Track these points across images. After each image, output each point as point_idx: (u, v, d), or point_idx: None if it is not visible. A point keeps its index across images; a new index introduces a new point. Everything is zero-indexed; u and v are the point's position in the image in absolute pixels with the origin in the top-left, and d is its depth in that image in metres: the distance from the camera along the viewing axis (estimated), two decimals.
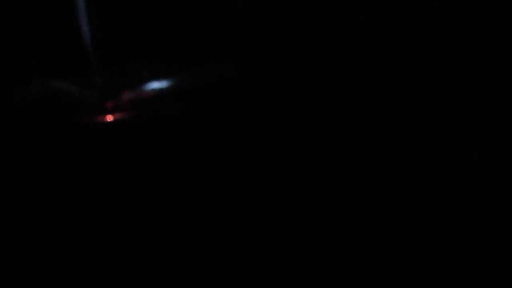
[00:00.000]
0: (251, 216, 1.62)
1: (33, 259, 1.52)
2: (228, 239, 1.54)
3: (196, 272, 1.47)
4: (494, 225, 0.89)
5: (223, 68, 2.30)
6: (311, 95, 1.55)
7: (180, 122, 2.48)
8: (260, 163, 1.88)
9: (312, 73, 1.45)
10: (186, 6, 2.14)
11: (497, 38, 0.95)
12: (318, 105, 1.43)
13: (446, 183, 0.97)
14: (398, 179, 1.02)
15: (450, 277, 0.93)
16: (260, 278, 1.31)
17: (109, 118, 2.37)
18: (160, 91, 2.72)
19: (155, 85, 2.72)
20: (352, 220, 1.12)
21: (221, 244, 1.55)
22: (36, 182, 1.64)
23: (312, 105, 1.52)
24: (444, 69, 0.97)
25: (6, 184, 1.43)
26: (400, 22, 1.10)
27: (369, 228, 1.08)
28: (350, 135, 1.19)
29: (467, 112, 0.97)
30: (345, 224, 1.13)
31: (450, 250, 0.93)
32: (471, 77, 0.97)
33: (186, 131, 2.39)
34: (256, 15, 1.83)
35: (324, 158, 1.31)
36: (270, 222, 1.49)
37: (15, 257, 1.42)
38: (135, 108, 2.61)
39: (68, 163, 1.81)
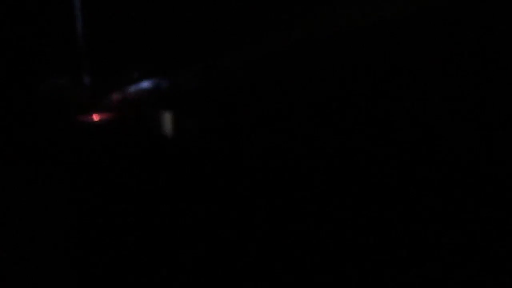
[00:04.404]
0: (242, 214, 1.61)
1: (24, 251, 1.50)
2: (217, 236, 1.54)
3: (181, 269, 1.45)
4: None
5: (211, 71, 2.29)
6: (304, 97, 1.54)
7: (168, 123, 2.47)
8: (245, 161, 1.87)
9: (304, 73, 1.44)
10: (177, 11, 2.12)
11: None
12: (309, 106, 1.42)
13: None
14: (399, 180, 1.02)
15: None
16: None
17: (96, 117, 2.36)
18: (149, 92, 2.72)
19: (144, 86, 2.71)
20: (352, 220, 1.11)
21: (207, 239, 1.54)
22: (25, 178, 1.60)
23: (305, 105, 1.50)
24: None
25: None
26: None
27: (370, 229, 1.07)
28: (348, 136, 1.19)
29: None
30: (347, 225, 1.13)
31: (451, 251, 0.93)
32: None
33: (174, 132, 2.39)
34: (245, 19, 1.81)
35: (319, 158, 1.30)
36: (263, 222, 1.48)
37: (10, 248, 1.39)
38: (123, 108, 2.61)
39: (55, 159, 1.78)
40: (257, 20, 1.87)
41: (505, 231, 0.90)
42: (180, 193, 2.46)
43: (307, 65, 1.59)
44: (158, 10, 2.40)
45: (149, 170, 2.97)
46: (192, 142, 3.16)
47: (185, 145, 3.30)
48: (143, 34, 2.11)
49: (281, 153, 1.66)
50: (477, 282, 0.91)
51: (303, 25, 1.46)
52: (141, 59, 2.58)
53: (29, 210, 1.93)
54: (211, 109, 2.99)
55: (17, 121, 1.36)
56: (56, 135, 1.61)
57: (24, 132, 1.39)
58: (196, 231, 1.94)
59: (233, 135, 2.63)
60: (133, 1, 2.20)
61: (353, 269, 1.06)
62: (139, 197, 2.46)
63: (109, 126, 2.70)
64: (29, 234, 1.74)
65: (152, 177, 2.81)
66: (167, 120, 3.69)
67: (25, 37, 1.25)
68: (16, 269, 1.45)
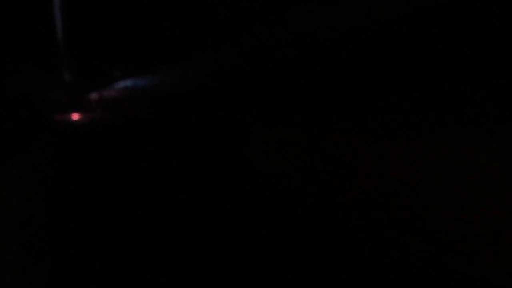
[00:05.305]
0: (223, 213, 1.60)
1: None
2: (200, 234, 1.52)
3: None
4: None
5: (194, 71, 2.29)
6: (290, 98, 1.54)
7: (148, 123, 2.49)
8: (227, 161, 1.87)
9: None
10: (159, 11, 2.12)
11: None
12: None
13: None
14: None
15: None
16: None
17: (75, 116, 2.41)
18: (130, 91, 2.73)
19: (125, 85, 2.72)
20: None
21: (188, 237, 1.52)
22: (3, 175, 1.56)
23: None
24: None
25: None
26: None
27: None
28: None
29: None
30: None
31: None
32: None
33: (153, 131, 2.40)
34: (227, 20, 1.82)
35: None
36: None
37: None
38: (102, 107, 2.62)
39: (33, 158, 1.76)
40: (240, 20, 1.87)
41: None
42: (161, 190, 2.43)
43: (290, 67, 1.59)
44: (141, 10, 2.35)
45: (131, 168, 2.92)
46: (174, 141, 3.13)
47: (167, 144, 3.26)
48: (124, 33, 2.07)
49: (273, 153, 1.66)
50: None
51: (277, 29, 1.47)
52: (123, 59, 2.52)
53: (5, 209, 1.84)
54: (193, 108, 2.97)
55: None
56: (35, 133, 1.58)
57: (2, 129, 1.35)
58: (180, 230, 1.92)
59: (216, 134, 2.62)
60: (115, 1, 2.14)
61: None
62: (121, 194, 2.41)
63: (90, 125, 2.65)
64: (6, 232, 1.68)
65: (134, 175, 2.77)
66: (148, 119, 3.64)
67: (5, 35, 1.21)
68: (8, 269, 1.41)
